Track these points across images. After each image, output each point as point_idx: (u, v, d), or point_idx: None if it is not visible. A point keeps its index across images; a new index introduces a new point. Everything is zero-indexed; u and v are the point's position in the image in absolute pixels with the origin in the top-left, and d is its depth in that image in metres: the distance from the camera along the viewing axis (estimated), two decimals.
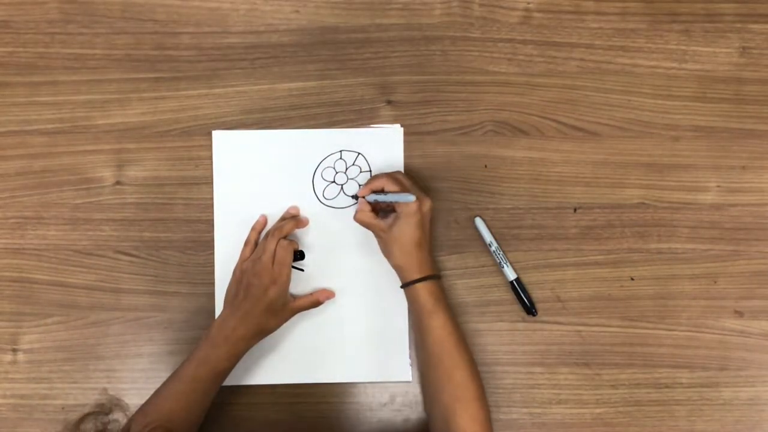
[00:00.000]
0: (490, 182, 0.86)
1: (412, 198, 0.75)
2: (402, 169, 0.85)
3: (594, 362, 0.84)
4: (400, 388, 0.84)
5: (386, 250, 0.79)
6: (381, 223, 0.79)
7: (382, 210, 0.81)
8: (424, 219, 0.77)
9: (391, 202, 0.78)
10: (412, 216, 0.76)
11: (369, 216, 0.79)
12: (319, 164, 0.86)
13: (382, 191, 0.79)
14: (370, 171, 0.86)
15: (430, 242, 0.80)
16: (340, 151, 0.86)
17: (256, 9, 0.88)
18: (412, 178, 0.81)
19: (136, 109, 0.87)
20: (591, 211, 0.86)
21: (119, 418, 0.61)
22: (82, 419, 0.60)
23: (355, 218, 0.80)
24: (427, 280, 0.77)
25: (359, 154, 0.86)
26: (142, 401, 0.75)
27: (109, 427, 0.60)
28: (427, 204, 0.77)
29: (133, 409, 0.78)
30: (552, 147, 0.87)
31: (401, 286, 0.79)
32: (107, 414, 0.62)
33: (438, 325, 0.76)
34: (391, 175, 0.79)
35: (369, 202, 0.80)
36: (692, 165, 0.87)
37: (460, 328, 0.78)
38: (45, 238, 0.86)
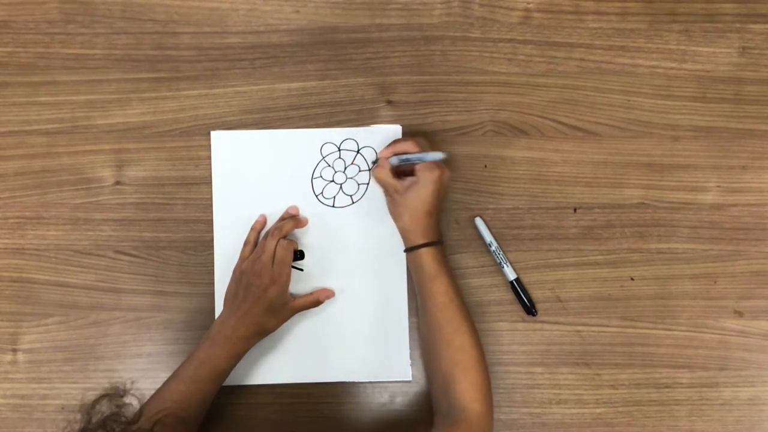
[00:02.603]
0: (490, 182, 0.86)
1: (440, 155, 0.75)
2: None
3: (594, 362, 0.84)
4: (400, 388, 0.84)
5: (395, 212, 0.80)
6: (398, 183, 0.79)
7: (402, 174, 0.81)
8: (443, 189, 0.78)
9: (416, 161, 0.77)
10: (431, 184, 0.77)
11: (388, 174, 0.79)
12: (318, 163, 0.86)
13: (404, 154, 0.79)
14: (369, 170, 0.86)
15: (440, 211, 0.81)
16: (339, 150, 0.86)
17: (256, 9, 0.88)
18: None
19: (136, 109, 0.87)
20: (591, 211, 0.86)
21: (133, 401, 0.61)
22: (98, 400, 0.61)
23: (374, 174, 0.81)
24: (431, 245, 0.77)
25: (358, 153, 0.86)
26: (142, 401, 0.75)
27: (123, 410, 0.60)
28: (447, 174, 0.78)
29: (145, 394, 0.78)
30: (552, 147, 0.87)
31: (405, 250, 0.80)
32: (122, 396, 0.63)
33: (440, 290, 0.76)
34: (414, 139, 0.80)
35: (392, 164, 0.79)
36: (692, 165, 0.87)
37: (462, 295, 0.79)
38: (45, 238, 0.86)
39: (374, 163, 0.85)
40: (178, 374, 0.76)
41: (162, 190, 0.86)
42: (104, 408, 0.60)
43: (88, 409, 0.59)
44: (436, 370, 0.75)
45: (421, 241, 0.77)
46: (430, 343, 0.77)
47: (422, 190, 0.77)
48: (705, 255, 0.86)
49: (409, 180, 0.79)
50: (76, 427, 0.56)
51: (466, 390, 0.72)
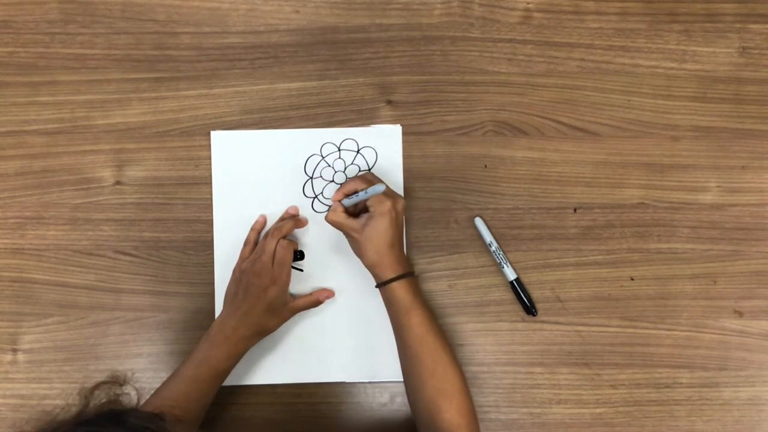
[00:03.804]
0: (490, 182, 0.86)
1: (382, 188, 0.75)
2: (401, 169, 0.86)
3: (594, 362, 0.84)
4: (399, 388, 0.84)
5: (359, 250, 0.79)
6: (353, 222, 0.78)
7: (356, 213, 0.80)
8: (398, 217, 0.77)
9: (364, 200, 0.77)
10: (385, 214, 0.76)
11: (341, 216, 0.78)
12: (318, 163, 0.86)
13: (354, 194, 0.78)
14: (369, 170, 0.86)
15: (403, 241, 0.80)
16: (339, 150, 0.86)
17: (256, 9, 0.88)
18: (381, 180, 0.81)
19: (136, 109, 0.87)
20: (591, 211, 0.86)
21: (132, 392, 0.61)
22: (97, 386, 0.61)
23: (327, 219, 0.79)
24: (402, 278, 0.76)
25: (358, 152, 0.86)
26: (141, 393, 0.75)
27: (120, 399, 0.60)
28: (400, 202, 0.77)
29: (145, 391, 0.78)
30: (552, 147, 0.87)
31: (376, 286, 0.79)
32: (121, 385, 0.63)
33: (417, 322, 0.75)
34: (361, 176, 0.80)
35: (344, 206, 0.79)
36: (692, 165, 0.87)
37: (438, 323, 0.78)
38: (45, 238, 0.86)
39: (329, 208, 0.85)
40: (178, 374, 0.76)
41: (162, 190, 0.86)
42: (103, 395, 0.60)
43: (87, 393, 0.59)
44: (420, 400, 0.75)
45: (391, 275, 0.76)
46: (412, 375, 0.76)
47: (378, 222, 0.76)
48: (705, 255, 0.86)
49: (363, 217, 0.78)
50: (74, 410, 0.56)
51: (453, 417, 0.72)
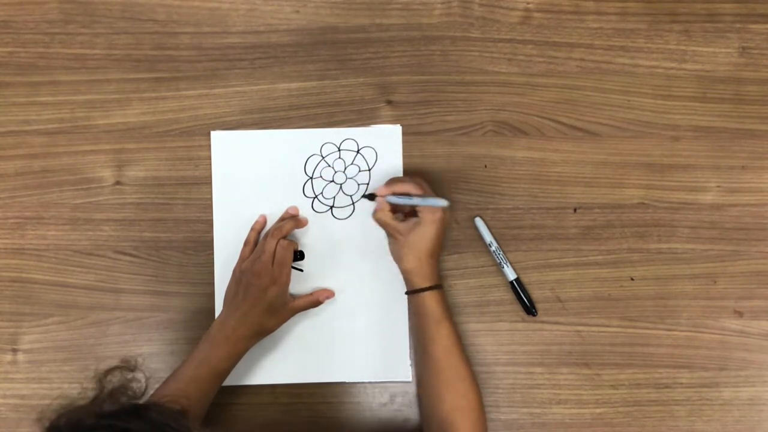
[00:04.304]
0: (490, 182, 0.86)
1: (445, 203, 0.74)
2: (401, 169, 0.86)
3: (594, 362, 0.84)
4: (400, 388, 0.84)
5: (398, 254, 0.79)
6: (400, 225, 0.78)
7: (398, 212, 0.80)
8: (444, 230, 0.77)
9: (416, 206, 0.77)
10: (435, 224, 0.76)
11: (389, 216, 0.78)
12: (318, 163, 0.86)
13: (404, 195, 0.78)
14: (369, 170, 0.86)
15: (440, 254, 0.81)
16: (339, 150, 0.86)
17: (256, 9, 0.88)
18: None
19: (136, 109, 0.87)
20: (591, 211, 0.86)
21: (141, 378, 0.62)
22: (110, 370, 0.61)
23: (374, 217, 0.80)
24: (434, 289, 0.77)
25: (358, 152, 0.86)
26: (149, 378, 0.75)
27: (131, 384, 0.61)
28: (448, 214, 0.78)
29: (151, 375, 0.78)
30: (552, 147, 0.87)
31: (407, 293, 0.79)
32: (132, 371, 0.63)
33: (444, 334, 0.76)
34: (415, 180, 0.79)
35: (389, 203, 0.79)
36: (692, 165, 0.87)
37: (461, 338, 0.79)
38: (45, 238, 0.86)
39: (367, 197, 0.83)
40: (177, 374, 0.76)
41: (162, 190, 0.86)
42: (115, 380, 0.61)
43: (101, 378, 0.60)
44: (435, 413, 0.75)
45: (425, 285, 0.77)
46: (430, 387, 0.76)
47: (426, 230, 0.76)
48: (705, 255, 0.86)
49: (411, 221, 0.77)
50: (90, 394, 0.57)
51: None
